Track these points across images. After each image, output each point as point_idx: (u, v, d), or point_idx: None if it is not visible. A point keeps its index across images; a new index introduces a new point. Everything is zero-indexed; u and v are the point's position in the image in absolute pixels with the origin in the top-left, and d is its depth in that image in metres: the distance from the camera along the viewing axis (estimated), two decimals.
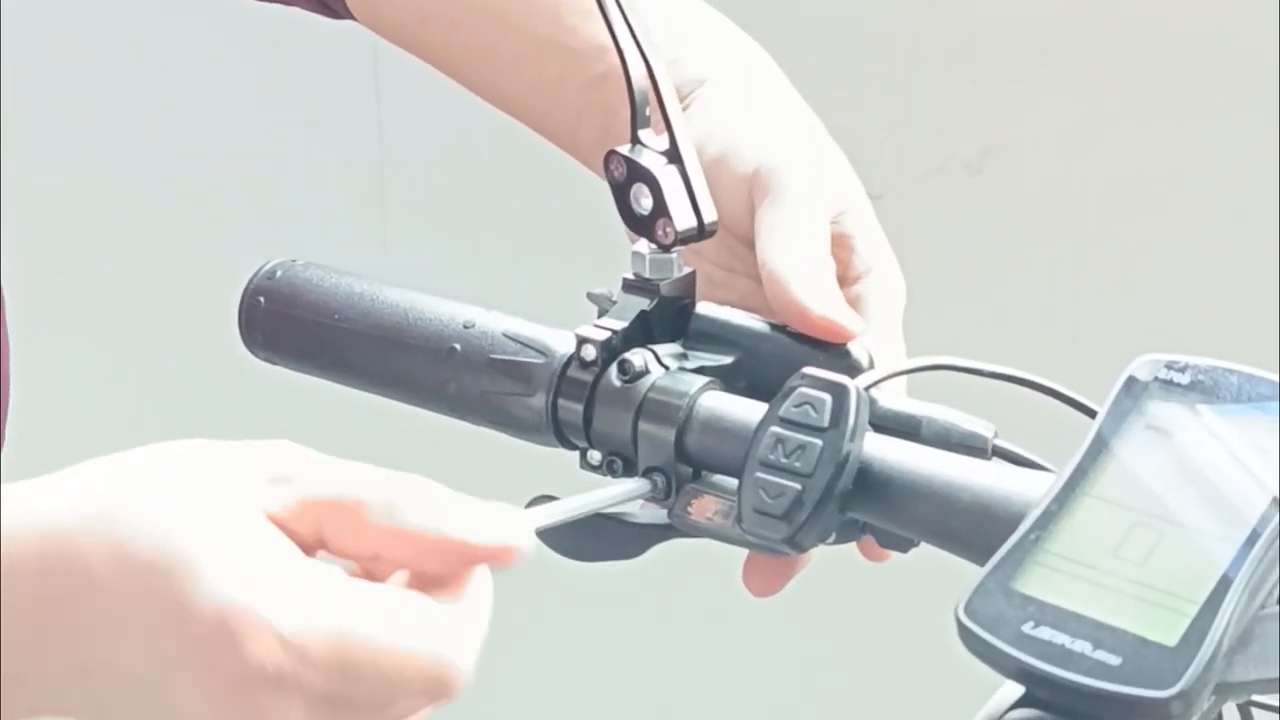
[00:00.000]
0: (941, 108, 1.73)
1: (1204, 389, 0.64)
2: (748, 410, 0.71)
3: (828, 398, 0.69)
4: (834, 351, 0.74)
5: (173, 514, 0.58)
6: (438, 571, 0.60)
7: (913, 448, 0.69)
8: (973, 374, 0.72)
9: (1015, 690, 0.61)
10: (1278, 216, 1.69)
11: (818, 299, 0.74)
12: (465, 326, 0.77)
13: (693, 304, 0.76)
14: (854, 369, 0.73)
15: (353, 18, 0.91)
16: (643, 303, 0.75)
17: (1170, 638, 0.59)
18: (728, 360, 0.75)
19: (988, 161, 1.71)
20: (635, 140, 0.74)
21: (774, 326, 0.75)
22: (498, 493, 0.67)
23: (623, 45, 0.73)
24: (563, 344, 0.75)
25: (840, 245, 0.79)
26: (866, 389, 0.70)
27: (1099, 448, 0.63)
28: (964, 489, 0.67)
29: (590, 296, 0.78)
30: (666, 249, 0.75)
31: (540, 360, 0.75)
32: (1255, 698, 0.66)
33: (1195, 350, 0.67)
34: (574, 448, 0.76)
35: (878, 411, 0.71)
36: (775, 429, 0.69)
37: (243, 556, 0.58)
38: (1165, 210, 1.74)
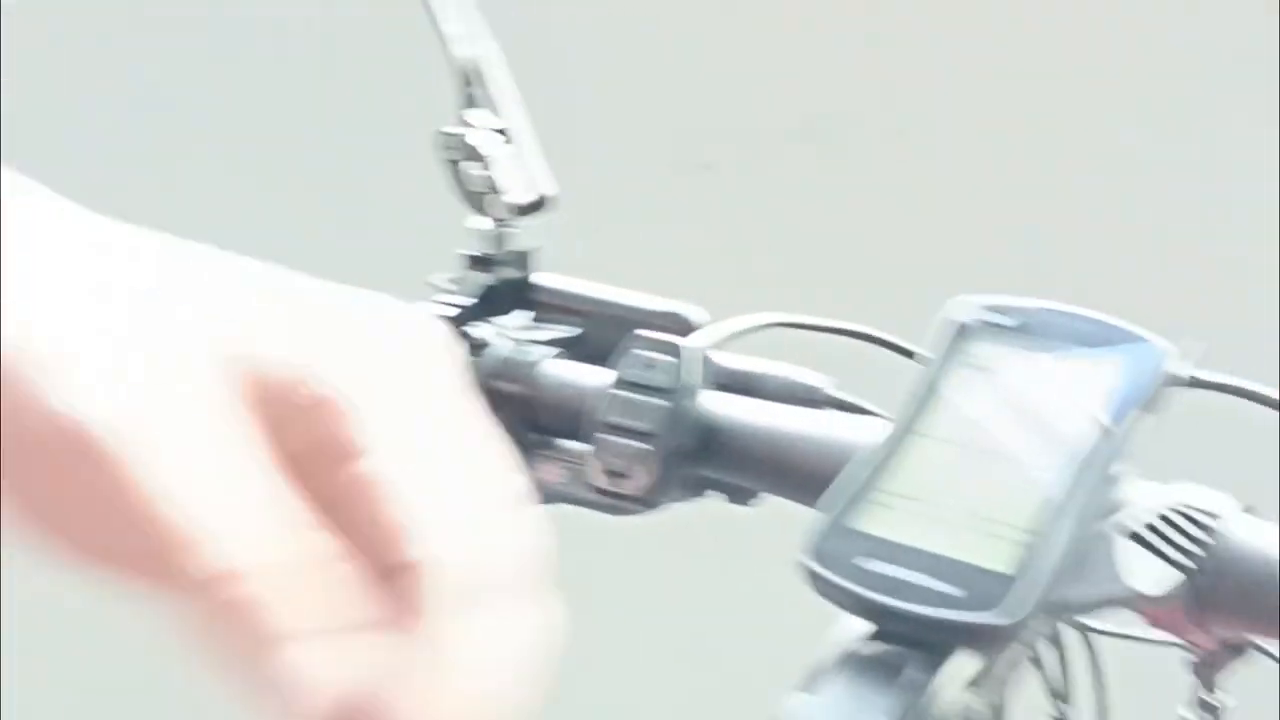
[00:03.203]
0: (771, 75, 1.75)
1: (1027, 329, 0.66)
2: (590, 375, 0.73)
3: (665, 358, 0.71)
4: (669, 315, 0.76)
5: None
6: None
7: (752, 403, 0.72)
8: (803, 329, 0.75)
9: (856, 624, 0.63)
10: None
11: None
12: None
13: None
14: (688, 329, 0.75)
15: None
16: (484, 277, 0.77)
17: (1006, 565, 0.62)
18: (576, 331, 0.77)
19: (817, 128, 1.74)
20: (463, 119, 0.76)
21: (613, 293, 0.77)
22: None
23: (446, 27, 0.74)
24: None
25: None
26: (703, 347, 0.72)
27: (927, 389, 0.66)
28: (800, 438, 0.70)
29: (430, 286, 0.80)
30: (503, 223, 0.77)
31: None
32: (1085, 619, 0.70)
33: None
34: None
35: (717, 370, 0.74)
36: (618, 391, 0.71)
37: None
38: (993, 171, 1.78)
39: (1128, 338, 0.66)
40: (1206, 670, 0.77)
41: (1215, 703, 0.79)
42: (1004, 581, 0.61)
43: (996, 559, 0.62)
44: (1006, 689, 0.65)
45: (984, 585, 0.62)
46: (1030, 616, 0.61)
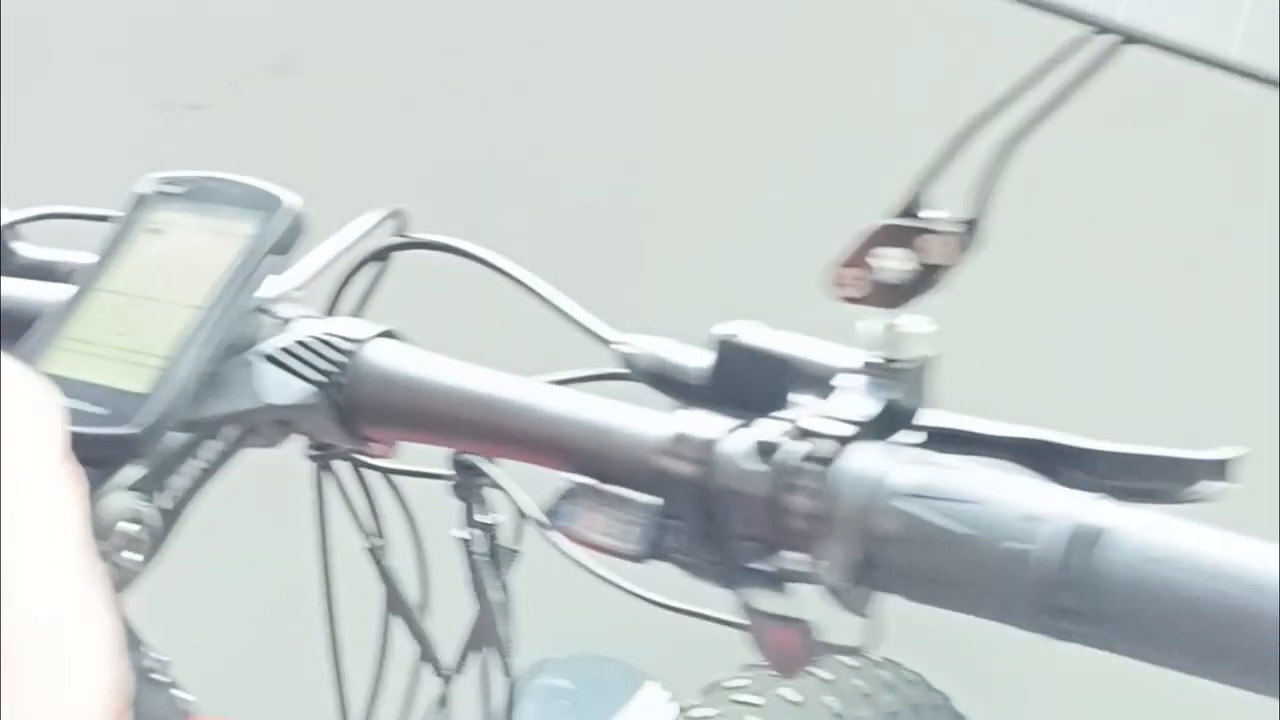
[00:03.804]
0: (242, 11, 1.82)
1: (194, 195, 0.78)
2: None
3: None
4: None
5: None
6: None
7: (28, 284, 0.84)
8: (74, 219, 0.87)
9: None
10: None
11: None
12: None
13: None
14: None
15: None
16: None
17: (143, 386, 0.73)
18: None
19: (293, 62, 1.84)
20: None
21: None
22: None
23: None
24: None
25: None
26: None
27: (108, 250, 0.78)
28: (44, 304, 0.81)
29: None
30: None
31: None
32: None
33: None
34: None
35: (17, 260, 0.86)
36: None
37: None
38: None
39: (268, 198, 0.78)
40: (464, 492, 0.89)
41: (486, 521, 0.91)
42: (138, 399, 0.73)
43: (135, 381, 0.74)
44: (184, 496, 0.76)
45: (121, 404, 0.73)
46: (155, 425, 0.73)
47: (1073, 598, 0.62)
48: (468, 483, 0.88)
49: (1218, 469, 0.69)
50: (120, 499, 0.74)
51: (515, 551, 0.96)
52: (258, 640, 2.03)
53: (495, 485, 0.86)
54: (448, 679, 0.95)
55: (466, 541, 0.90)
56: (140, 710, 0.78)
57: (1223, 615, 0.60)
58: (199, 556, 2.14)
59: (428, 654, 0.94)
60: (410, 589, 0.95)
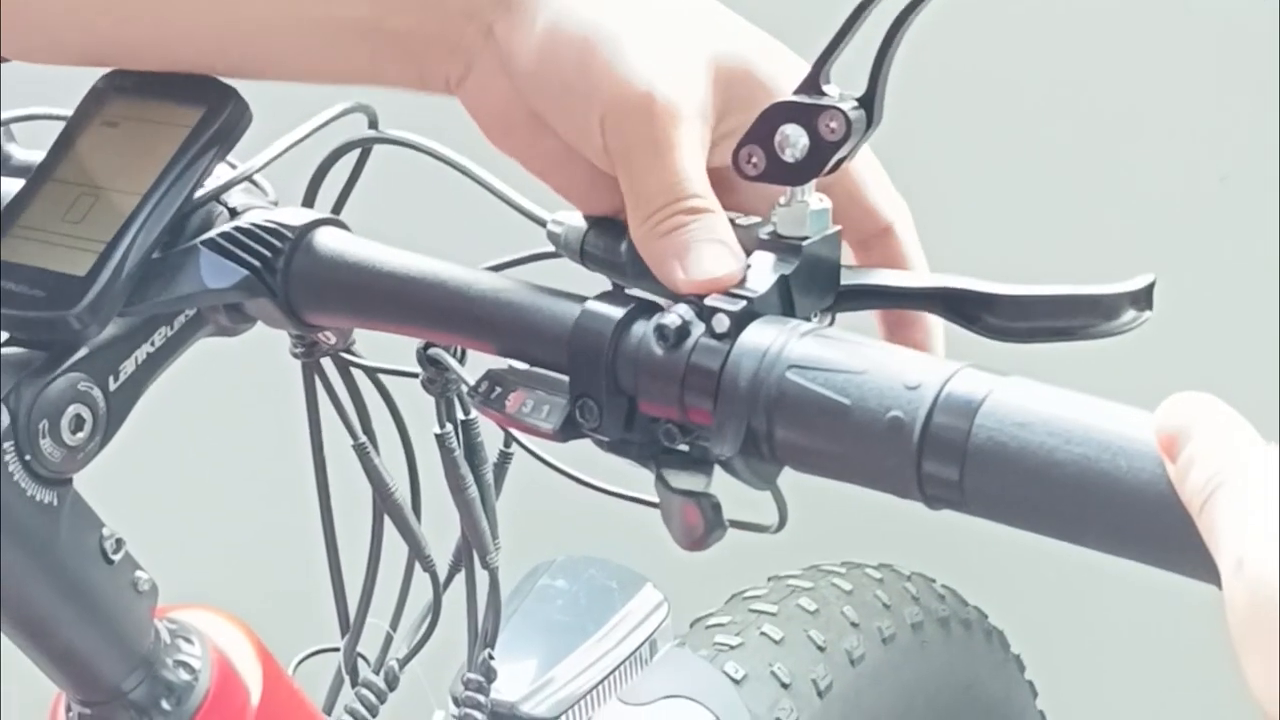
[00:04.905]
0: None
1: (146, 88, 0.80)
2: None
3: None
4: None
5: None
6: None
7: None
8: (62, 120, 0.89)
9: None
10: None
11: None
12: None
13: None
14: None
15: None
16: None
17: (81, 270, 0.76)
18: None
19: None
20: None
21: None
22: None
23: None
24: None
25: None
26: None
27: (63, 142, 0.80)
28: None
29: None
30: None
31: None
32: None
33: None
34: None
35: (12, 163, 0.88)
36: None
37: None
38: None
39: (218, 89, 0.79)
40: (433, 388, 0.91)
41: (460, 418, 0.92)
42: (74, 281, 0.75)
43: (74, 266, 0.76)
44: (135, 381, 0.79)
45: (59, 286, 0.75)
46: (92, 305, 0.75)
47: (937, 464, 0.62)
48: (435, 377, 0.90)
49: (1142, 298, 0.68)
50: (67, 381, 0.76)
51: (508, 453, 0.97)
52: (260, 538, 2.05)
53: (460, 379, 0.88)
54: (437, 577, 0.97)
55: (440, 438, 0.92)
56: (99, 591, 0.80)
57: (1086, 480, 0.60)
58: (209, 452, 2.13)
59: (417, 552, 0.96)
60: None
